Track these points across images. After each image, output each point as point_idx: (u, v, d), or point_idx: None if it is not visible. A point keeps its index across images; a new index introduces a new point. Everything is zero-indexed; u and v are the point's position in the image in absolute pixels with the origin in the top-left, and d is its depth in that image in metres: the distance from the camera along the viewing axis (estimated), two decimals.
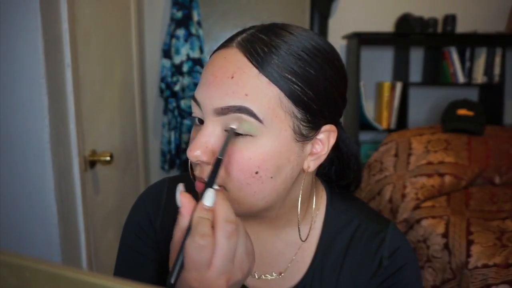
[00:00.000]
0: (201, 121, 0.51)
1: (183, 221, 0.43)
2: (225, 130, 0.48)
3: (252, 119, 0.47)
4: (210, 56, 0.52)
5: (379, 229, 0.62)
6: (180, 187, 0.45)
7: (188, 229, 0.42)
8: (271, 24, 0.52)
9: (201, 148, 0.48)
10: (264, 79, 0.47)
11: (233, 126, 0.47)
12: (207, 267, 0.41)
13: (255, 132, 0.47)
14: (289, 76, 0.47)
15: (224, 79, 0.47)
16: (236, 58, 0.48)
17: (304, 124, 0.49)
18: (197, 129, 0.52)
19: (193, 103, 0.51)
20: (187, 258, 0.41)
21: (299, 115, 0.49)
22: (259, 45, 0.48)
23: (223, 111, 0.47)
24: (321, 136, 0.52)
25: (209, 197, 0.43)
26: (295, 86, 0.47)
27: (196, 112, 0.51)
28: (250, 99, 0.46)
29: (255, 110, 0.46)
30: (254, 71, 0.47)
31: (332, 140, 0.53)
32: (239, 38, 0.50)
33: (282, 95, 0.47)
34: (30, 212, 1.01)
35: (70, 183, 1.12)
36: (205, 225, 0.42)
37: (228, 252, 0.42)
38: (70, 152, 1.12)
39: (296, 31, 0.50)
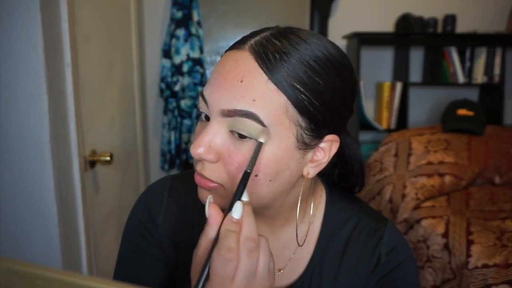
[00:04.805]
0: (207, 118, 0.52)
1: (210, 231, 0.44)
2: (230, 132, 0.49)
3: (257, 125, 0.47)
4: (222, 55, 0.53)
5: (378, 227, 0.62)
6: (210, 198, 0.47)
7: (215, 241, 0.43)
8: (286, 28, 0.52)
9: (205, 146, 0.49)
10: (272, 86, 0.47)
11: (262, 141, 0.47)
12: (230, 281, 0.42)
13: (259, 137, 0.48)
14: (297, 86, 0.47)
15: (234, 82, 0.47)
16: (247, 62, 0.48)
17: (307, 133, 0.50)
18: (202, 125, 0.52)
19: (200, 100, 0.52)
20: (212, 270, 0.42)
21: (303, 124, 0.49)
22: (271, 51, 0.48)
23: (230, 114, 0.48)
24: (323, 144, 0.53)
25: (237, 210, 0.44)
26: (302, 95, 0.48)
27: (203, 108, 0.51)
28: (257, 105, 0.47)
29: (261, 116, 0.47)
30: (264, 77, 0.47)
31: (334, 149, 0.54)
32: (252, 41, 0.50)
33: (288, 103, 0.48)
34: (30, 212, 1.01)
35: (70, 183, 1.12)
36: (232, 239, 0.43)
37: (249, 268, 0.43)
38: (70, 152, 1.12)
39: (309, 38, 0.50)
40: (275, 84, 0.47)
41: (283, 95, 0.47)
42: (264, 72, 0.47)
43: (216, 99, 0.48)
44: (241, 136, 0.48)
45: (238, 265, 0.42)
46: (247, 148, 0.48)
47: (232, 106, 0.47)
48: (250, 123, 0.47)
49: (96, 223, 1.33)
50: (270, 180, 0.50)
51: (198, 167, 0.51)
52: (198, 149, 0.48)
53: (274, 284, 0.47)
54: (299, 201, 0.57)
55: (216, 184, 0.50)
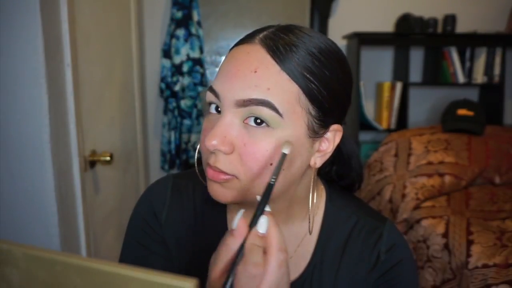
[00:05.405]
0: (217, 110, 0.52)
1: (234, 243, 0.44)
2: (244, 122, 0.50)
3: (272, 113, 0.48)
4: (230, 51, 0.54)
5: (377, 226, 0.63)
6: (242, 212, 0.46)
7: (239, 253, 0.43)
8: (288, 25, 0.54)
9: (220, 137, 0.49)
10: (285, 76, 0.49)
11: (286, 152, 0.48)
12: None
13: (274, 125, 0.49)
14: (307, 75, 0.50)
15: (247, 73, 0.49)
16: (259, 54, 0.50)
17: (316, 121, 0.52)
18: (211, 119, 0.53)
19: (209, 94, 0.52)
20: (237, 284, 0.42)
21: (313, 112, 0.51)
22: (281, 43, 0.50)
23: (245, 103, 0.49)
24: (328, 134, 0.55)
25: (263, 225, 0.44)
26: (312, 84, 0.50)
27: (213, 101, 0.52)
28: (272, 93, 0.48)
29: (276, 104, 0.48)
30: (277, 67, 0.49)
31: (337, 139, 0.56)
32: (261, 35, 0.52)
33: (300, 92, 0.50)
34: (30, 212, 1.01)
35: (70, 183, 1.12)
36: (258, 254, 0.43)
37: (276, 279, 0.43)
38: (70, 152, 1.12)
39: (311, 33, 0.53)
40: (288, 73, 0.49)
41: (295, 84, 0.49)
42: (277, 62, 0.49)
43: (230, 90, 0.49)
44: (257, 123, 0.49)
45: (265, 276, 0.42)
46: (261, 137, 0.49)
47: (247, 96, 0.48)
48: (266, 112, 0.48)
49: (96, 223, 1.33)
50: (283, 169, 0.50)
51: (211, 160, 0.51)
52: (213, 141, 0.49)
53: None
54: (311, 190, 0.57)
55: (229, 176, 0.51)
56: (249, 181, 0.50)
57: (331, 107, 0.52)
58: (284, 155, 0.48)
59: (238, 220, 0.45)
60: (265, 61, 0.49)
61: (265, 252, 0.44)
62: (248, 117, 0.49)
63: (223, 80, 0.50)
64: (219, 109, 0.52)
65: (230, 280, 0.42)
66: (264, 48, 0.50)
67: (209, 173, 0.52)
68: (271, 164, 0.49)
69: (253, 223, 0.45)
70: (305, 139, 0.52)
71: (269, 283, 0.42)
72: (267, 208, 0.46)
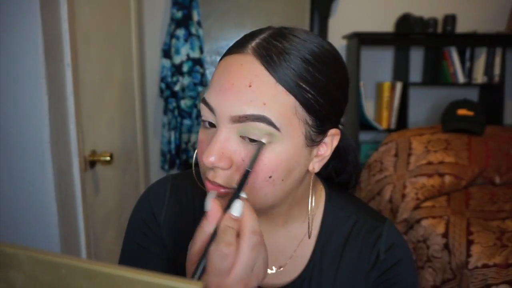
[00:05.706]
0: (212, 124, 0.51)
1: (208, 226, 0.45)
2: (241, 136, 0.49)
3: (269, 127, 0.47)
4: (220, 60, 0.52)
5: (376, 225, 0.63)
6: (213, 194, 0.47)
7: (213, 236, 0.44)
8: (280, 28, 0.52)
9: (217, 154, 0.48)
10: (280, 88, 0.48)
11: (264, 141, 0.48)
12: (227, 273, 0.43)
13: (271, 139, 0.48)
14: (303, 85, 0.48)
15: (242, 87, 0.47)
16: (253, 66, 0.48)
17: (314, 130, 0.51)
18: (207, 133, 0.52)
19: (202, 107, 0.51)
20: (210, 263, 0.43)
21: (310, 122, 0.50)
22: (274, 52, 0.48)
23: (241, 119, 0.47)
24: (326, 139, 0.54)
25: (237, 208, 0.45)
26: (309, 94, 0.49)
27: (207, 115, 0.51)
28: (268, 108, 0.47)
29: (273, 119, 0.47)
30: (272, 80, 0.47)
31: (335, 142, 0.55)
32: (253, 44, 0.50)
33: (297, 104, 0.48)
34: (30, 213, 1.01)
35: (70, 183, 1.12)
36: (231, 234, 0.43)
37: (249, 261, 0.43)
38: (70, 152, 1.12)
39: (303, 36, 0.51)
40: (283, 85, 0.47)
41: (292, 96, 0.48)
42: (271, 74, 0.47)
43: (224, 105, 0.48)
44: (252, 140, 0.48)
45: (238, 258, 0.43)
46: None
47: (243, 112, 0.47)
48: (262, 127, 0.47)
49: (96, 223, 1.33)
50: (282, 180, 0.50)
51: (210, 175, 0.51)
52: (210, 158, 0.48)
53: (266, 275, 0.47)
54: (310, 194, 0.57)
55: (229, 189, 0.50)
56: (249, 193, 0.50)
57: (328, 114, 0.51)
58: (262, 144, 0.48)
59: (209, 202, 0.45)
60: (259, 73, 0.47)
61: (238, 235, 0.44)
62: (244, 135, 0.48)
63: (217, 94, 0.49)
64: (214, 121, 0.51)
65: (203, 261, 0.43)
66: (258, 59, 0.48)
67: (209, 186, 0.51)
68: (270, 177, 0.49)
69: (227, 207, 0.45)
70: (303, 148, 0.51)
71: (241, 265, 0.43)
72: (243, 195, 0.46)
